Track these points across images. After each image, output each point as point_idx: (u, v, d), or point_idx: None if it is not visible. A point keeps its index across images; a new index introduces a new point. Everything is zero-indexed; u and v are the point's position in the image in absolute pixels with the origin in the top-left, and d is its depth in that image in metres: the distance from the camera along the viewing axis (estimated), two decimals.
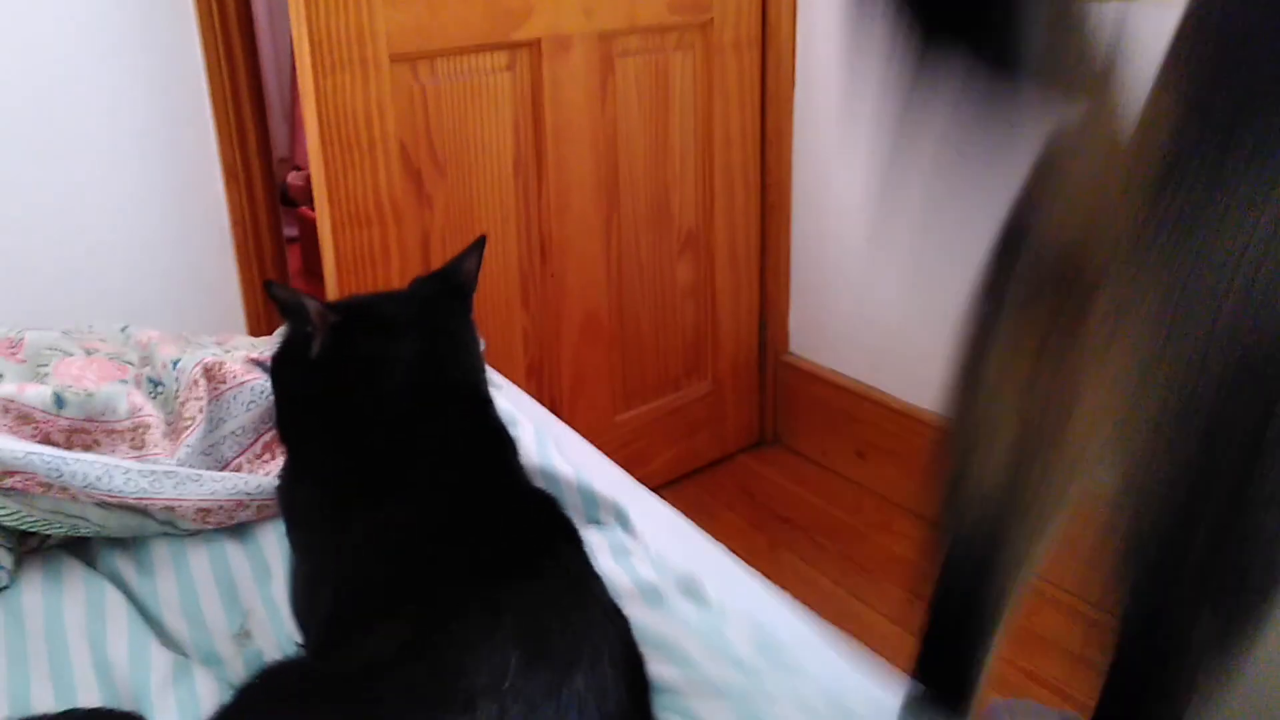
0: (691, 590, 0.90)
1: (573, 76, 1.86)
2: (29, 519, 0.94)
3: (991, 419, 0.74)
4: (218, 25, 1.63)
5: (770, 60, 2.13)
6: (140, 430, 1.05)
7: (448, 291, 0.96)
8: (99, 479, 0.95)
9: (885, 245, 2.06)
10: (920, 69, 0.63)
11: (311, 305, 0.85)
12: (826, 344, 2.27)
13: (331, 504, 0.83)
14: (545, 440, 1.11)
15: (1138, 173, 0.62)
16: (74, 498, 0.94)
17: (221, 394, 1.10)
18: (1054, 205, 0.68)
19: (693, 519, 1.12)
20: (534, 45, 1.80)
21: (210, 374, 1.10)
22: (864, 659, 0.87)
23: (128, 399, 1.06)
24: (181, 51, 1.62)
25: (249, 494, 1.02)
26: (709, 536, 1.06)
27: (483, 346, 1.39)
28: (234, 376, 1.12)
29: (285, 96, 3.67)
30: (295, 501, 0.90)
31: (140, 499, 0.96)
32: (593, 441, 1.28)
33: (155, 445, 1.04)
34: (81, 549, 1.00)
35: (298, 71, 1.56)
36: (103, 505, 0.96)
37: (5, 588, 0.94)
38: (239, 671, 0.87)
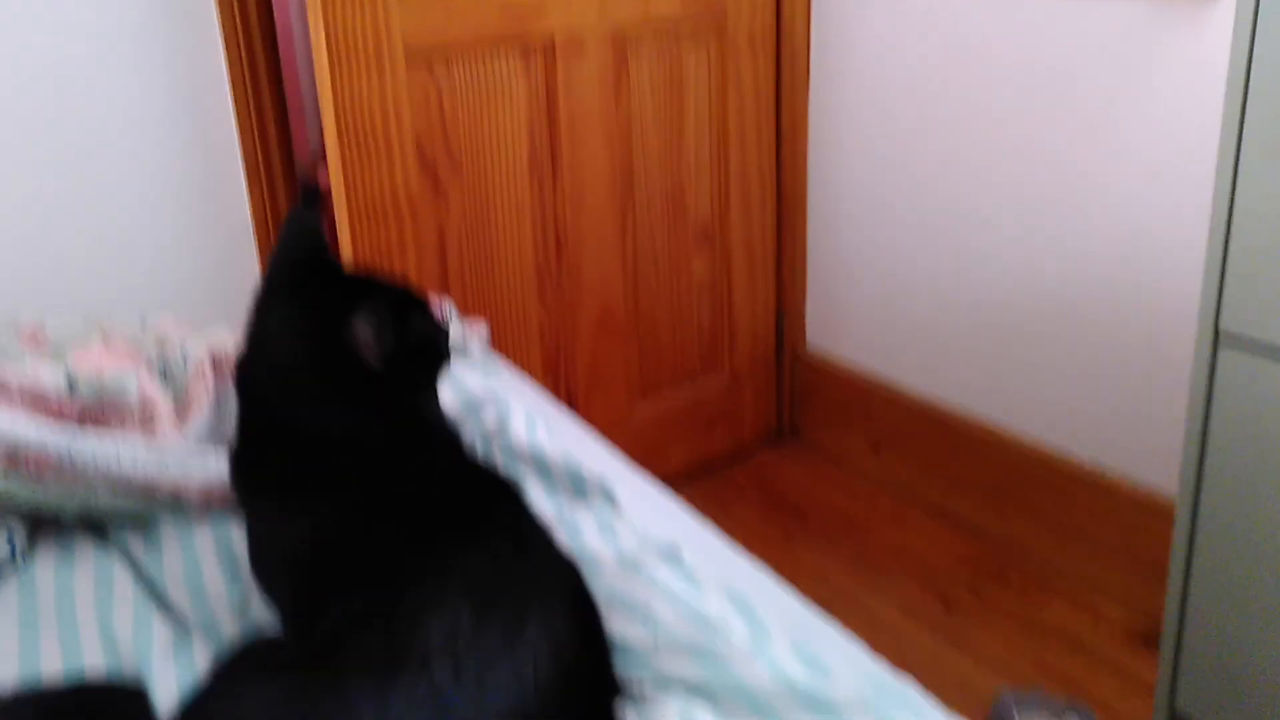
0: (669, 557, 0.92)
1: (587, 74, 1.89)
2: (41, 499, 0.99)
3: None
4: (239, 25, 1.68)
5: (785, 56, 2.14)
6: (149, 414, 1.09)
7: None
8: (108, 460, 0.99)
9: (903, 240, 2.06)
10: None
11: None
12: (843, 338, 2.27)
13: (276, 489, 0.85)
14: (534, 422, 1.14)
15: None
16: (84, 479, 0.99)
17: (228, 380, 1.15)
18: None
19: (708, 512, 1.14)
20: (548, 43, 1.83)
21: (217, 361, 1.14)
22: (866, 649, 0.87)
23: (138, 384, 1.10)
24: (204, 53, 1.67)
25: None
26: (692, 509, 1.08)
27: (485, 335, 1.42)
28: None
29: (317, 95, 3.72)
30: (246, 484, 0.90)
31: (148, 480, 1.01)
32: (609, 435, 1.30)
33: (163, 429, 1.09)
34: (93, 526, 1.05)
35: (315, 70, 1.60)
36: (112, 486, 1.00)
37: (16, 562, 0.99)
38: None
